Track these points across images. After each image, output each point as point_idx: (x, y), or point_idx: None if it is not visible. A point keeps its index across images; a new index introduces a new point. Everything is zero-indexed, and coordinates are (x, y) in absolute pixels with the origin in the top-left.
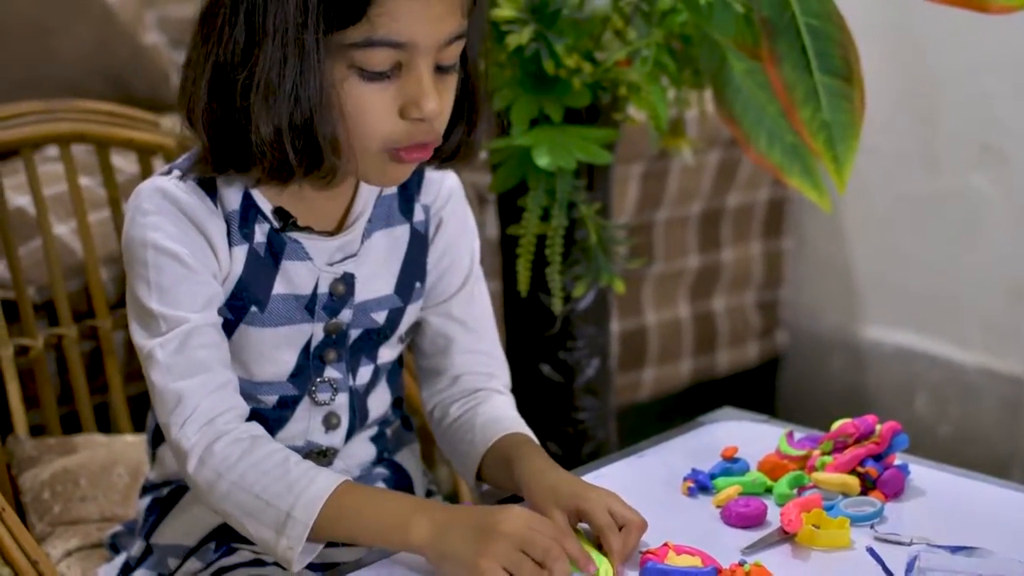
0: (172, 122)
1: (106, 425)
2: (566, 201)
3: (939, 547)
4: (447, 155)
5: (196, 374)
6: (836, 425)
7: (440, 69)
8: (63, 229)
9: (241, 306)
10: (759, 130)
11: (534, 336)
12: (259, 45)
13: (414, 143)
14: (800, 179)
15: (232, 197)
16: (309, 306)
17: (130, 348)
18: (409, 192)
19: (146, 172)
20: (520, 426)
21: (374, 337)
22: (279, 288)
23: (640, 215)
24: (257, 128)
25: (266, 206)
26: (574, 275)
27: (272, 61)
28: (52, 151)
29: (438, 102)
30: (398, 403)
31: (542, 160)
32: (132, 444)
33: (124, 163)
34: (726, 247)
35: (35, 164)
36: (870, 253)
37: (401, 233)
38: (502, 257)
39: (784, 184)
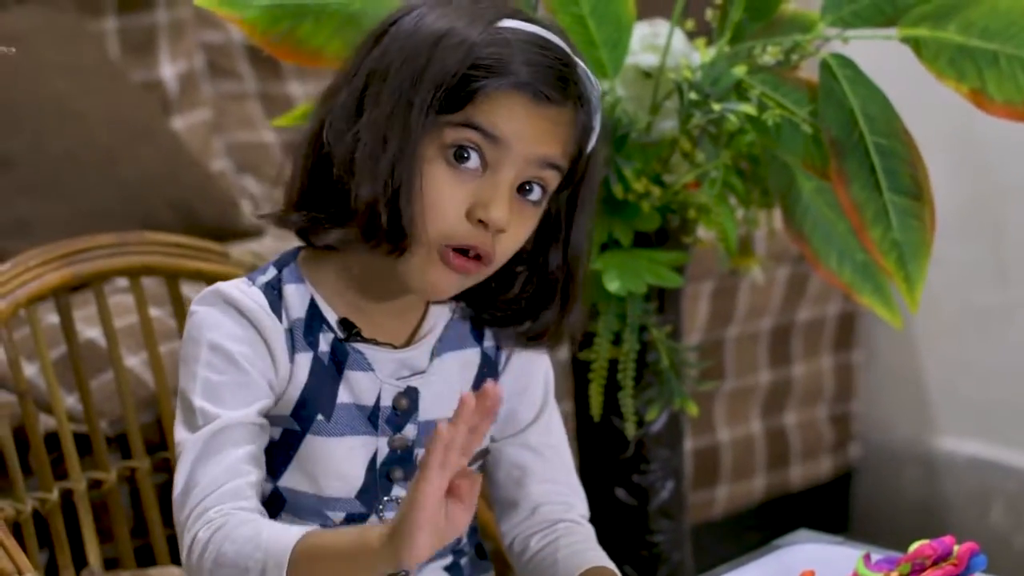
0: (240, 252)
1: (180, 558)
2: (637, 325)
3: None
4: (534, 335)
5: (212, 467)
6: (914, 547)
7: (523, 193)
8: (134, 361)
9: (307, 416)
10: (829, 249)
11: (608, 460)
12: (368, 108)
13: (468, 245)
14: (871, 297)
15: (297, 305)
16: (372, 418)
17: None
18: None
19: None
20: (602, 560)
21: None
22: (343, 397)
23: (710, 332)
24: (358, 186)
25: (331, 316)
26: (646, 399)
27: (378, 125)
28: (122, 282)
29: (507, 216)
30: (472, 532)
31: (612, 285)
32: None
33: (194, 293)
34: (797, 361)
35: (105, 296)
36: (941, 364)
37: (472, 356)
38: (574, 381)
39: (854, 299)
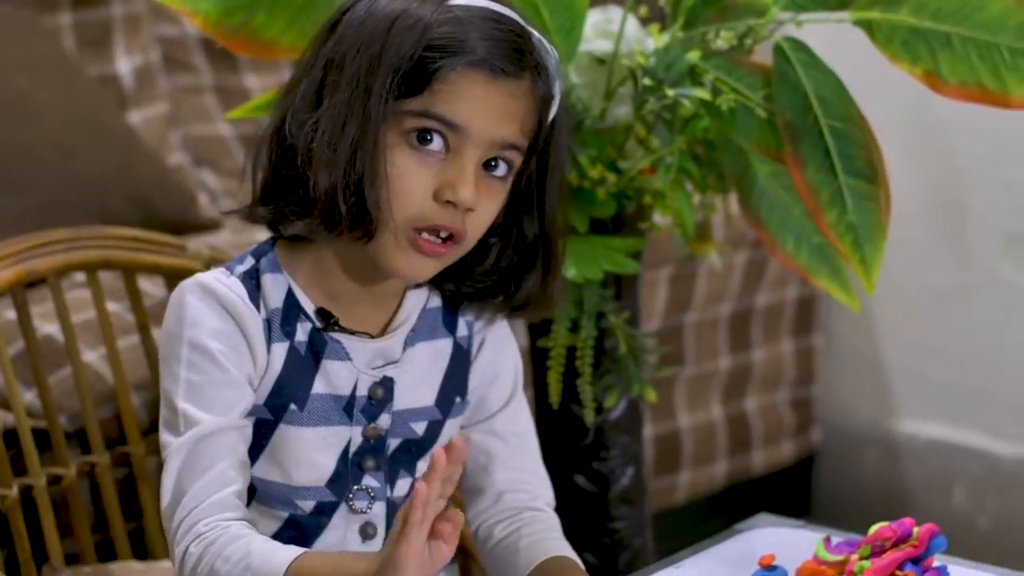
0: (198, 245)
1: (142, 552)
2: (594, 312)
3: None
4: (518, 304)
5: (197, 478)
6: (873, 529)
7: (489, 169)
8: (92, 356)
9: (281, 404)
10: (785, 232)
11: (567, 447)
12: (327, 96)
13: (439, 226)
14: (828, 280)
15: (275, 295)
16: (347, 408)
17: None
18: (453, 309)
19: None
20: (564, 549)
21: (413, 449)
22: (318, 387)
23: (669, 318)
24: (315, 174)
25: (308, 306)
26: (605, 385)
27: (337, 112)
28: (79, 277)
29: (474, 193)
30: None
31: (569, 272)
32: (168, 571)
33: (151, 287)
34: (757, 346)
35: (63, 291)
36: (901, 347)
37: (444, 346)
38: (533, 369)
39: (812, 283)
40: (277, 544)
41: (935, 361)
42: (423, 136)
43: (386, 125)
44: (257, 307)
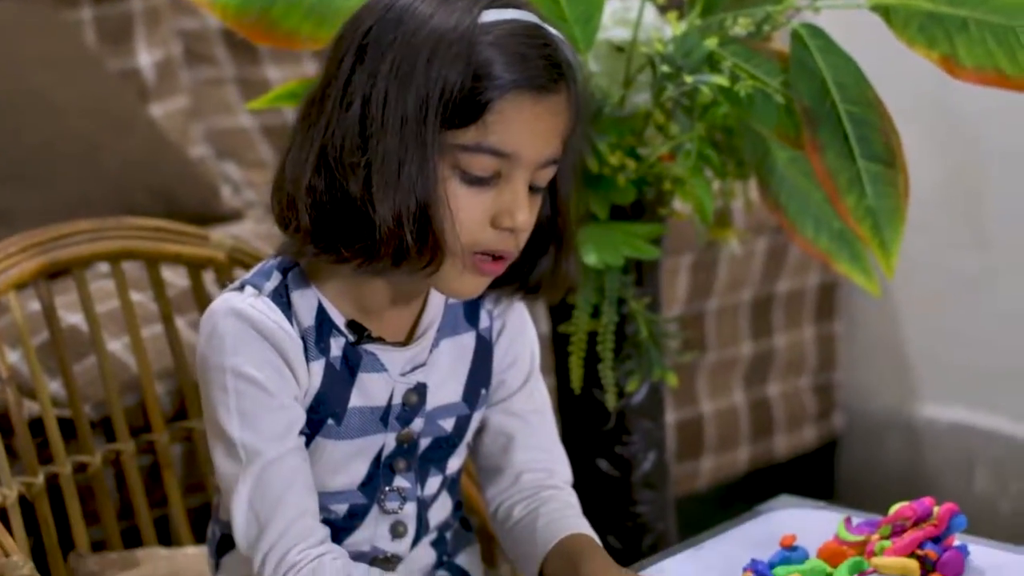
0: (221, 235)
1: (167, 538)
2: (615, 297)
3: None
4: (532, 285)
5: (274, 509)
6: (894, 509)
7: (532, 189)
8: (116, 345)
9: (319, 420)
10: (805, 218)
11: (590, 432)
12: (375, 135)
13: (496, 251)
14: (848, 265)
15: (306, 313)
16: (383, 417)
17: (188, 460)
18: (475, 299)
19: (197, 285)
20: (583, 526)
21: (443, 446)
22: (355, 401)
23: (691, 305)
24: (380, 214)
25: (339, 320)
26: (626, 370)
27: (390, 151)
28: (103, 267)
29: (529, 216)
30: (458, 507)
31: (590, 258)
32: (194, 556)
33: (174, 276)
34: (778, 333)
35: (87, 282)
36: (923, 332)
37: (468, 340)
38: (554, 355)
39: (833, 268)
40: (380, 573)
41: (956, 346)
42: (476, 171)
43: (439, 158)
44: (292, 326)
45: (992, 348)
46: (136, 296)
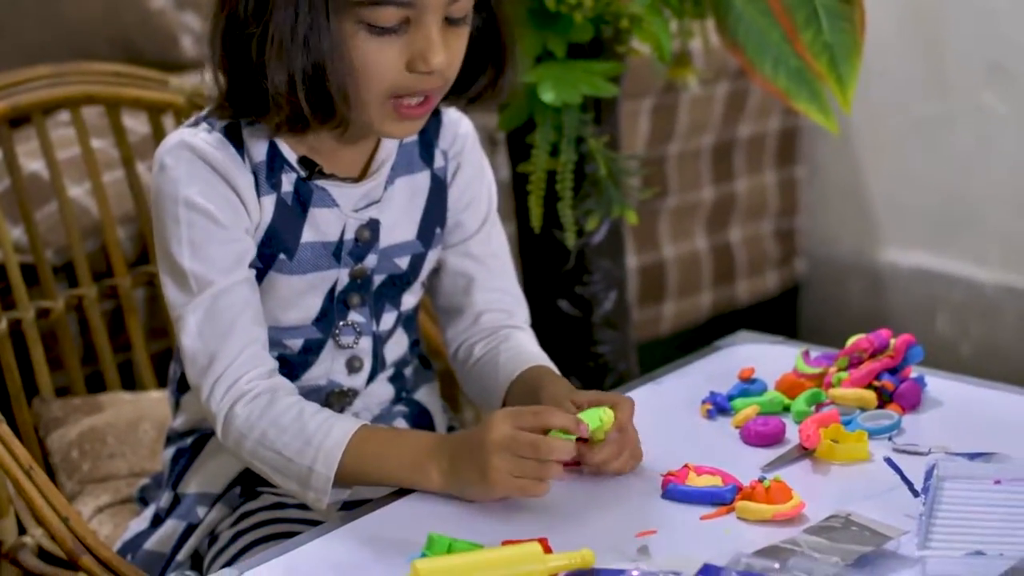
0: (180, 80)
1: (131, 383)
2: (574, 136)
3: (957, 455)
4: (473, 96)
5: (224, 337)
6: (851, 341)
7: (450, 21)
8: (78, 191)
9: (270, 254)
10: (763, 56)
11: (550, 272)
12: (271, 2)
13: (419, 91)
14: (807, 103)
15: (258, 148)
16: (336, 252)
17: (151, 305)
18: (428, 138)
19: (157, 131)
20: (542, 359)
21: (398, 283)
22: (307, 236)
23: (652, 149)
24: (272, 80)
25: (291, 156)
26: (586, 209)
27: (284, 17)
28: (63, 116)
29: (446, 55)
30: (415, 344)
31: (547, 96)
32: (157, 400)
33: (135, 123)
34: (740, 178)
35: (47, 129)
36: (884, 177)
37: (422, 179)
38: (515, 196)
39: (794, 112)
40: (331, 415)
41: (918, 190)
42: (381, 23)
43: (339, 18)
44: (243, 161)
45: (954, 193)
46: (97, 143)
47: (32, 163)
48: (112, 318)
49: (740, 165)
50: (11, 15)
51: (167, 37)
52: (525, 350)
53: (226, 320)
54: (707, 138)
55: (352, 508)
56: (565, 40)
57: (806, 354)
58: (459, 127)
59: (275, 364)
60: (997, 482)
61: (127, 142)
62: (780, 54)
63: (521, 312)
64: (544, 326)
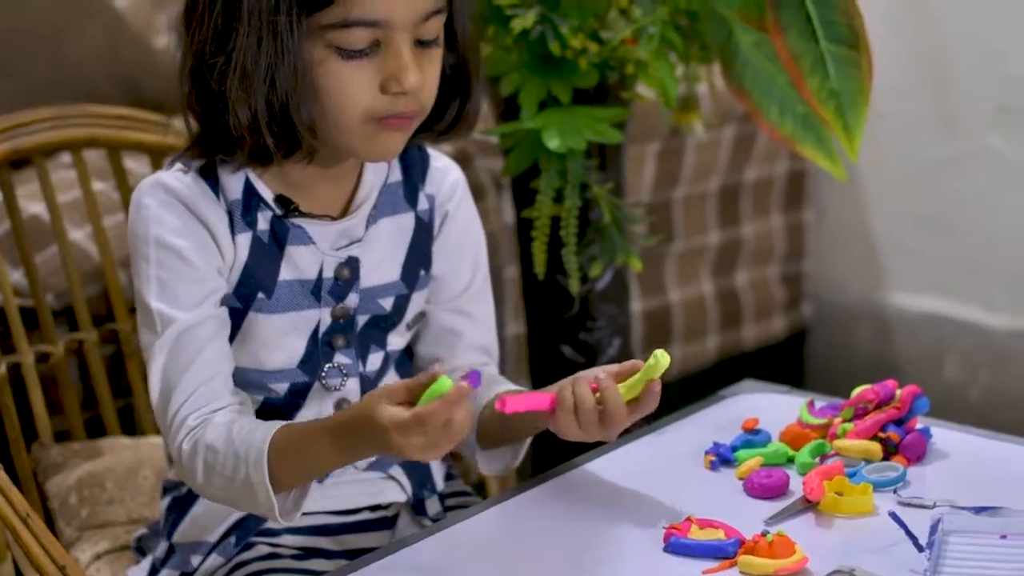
0: (182, 124)
1: (131, 428)
2: (578, 182)
3: (963, 508)
4: (443, 129)
5: (181, 374)
6: (856, 392)
7: (422, 43)
8: (79, 235)
9: (249, 293)
10: (770, 102)
11: (554, 318)
12: (235, 30)
13: (396, 113)
14: (813, 149)
15: (233, 186)
16: (315, 291)
17: None
18: (413, 182)
19: None
20: (507, 384)
21: (382, 324)
22: (285, 274)
23: (658, 194)
24: (234, 112)
25: (267, 193)
26: (590, 255)
27: (247, 45)
28: (64, 158)
29: (419, 75)
30: None
31: (552, 142)
32: (157, 446)
33: (136, 166)
34: (746, 222)
35: (48, 171)
36: (892, 220)
37: (406, 221)
38: (519, 241)
39: (801, 155)
40: (256, 422)
41: (926, 234)
42: (351, 46)
43: (307, 43)
44: (217, 199)
45: (962, 236)
46: (98, 185)
47: (33, 206)
48: (112, 362)
49: (747, 209)
50: (15, 55)
51: (170, 76)
52: (498, 378)
53: (186, 358)
54: (713, 182)
55: (355, 557)
56: (570, 86)
57: (811, 404)
58: (447, 175)
59: (241, 399)
60: (1003, 536)
61: (128, 186)
62: (786, 100)
63: (495, 366)
64: (548, 372)
